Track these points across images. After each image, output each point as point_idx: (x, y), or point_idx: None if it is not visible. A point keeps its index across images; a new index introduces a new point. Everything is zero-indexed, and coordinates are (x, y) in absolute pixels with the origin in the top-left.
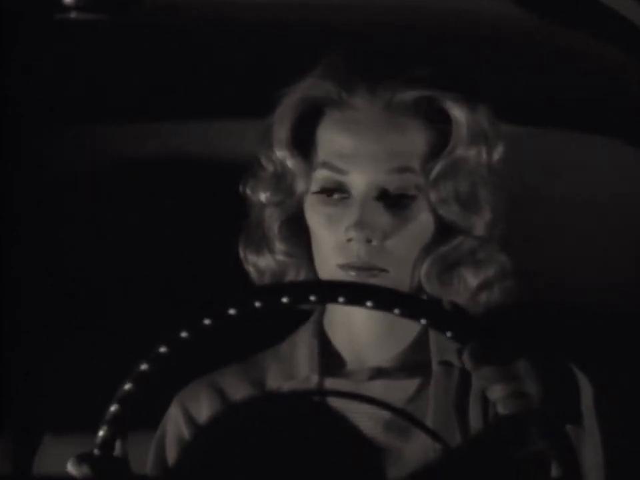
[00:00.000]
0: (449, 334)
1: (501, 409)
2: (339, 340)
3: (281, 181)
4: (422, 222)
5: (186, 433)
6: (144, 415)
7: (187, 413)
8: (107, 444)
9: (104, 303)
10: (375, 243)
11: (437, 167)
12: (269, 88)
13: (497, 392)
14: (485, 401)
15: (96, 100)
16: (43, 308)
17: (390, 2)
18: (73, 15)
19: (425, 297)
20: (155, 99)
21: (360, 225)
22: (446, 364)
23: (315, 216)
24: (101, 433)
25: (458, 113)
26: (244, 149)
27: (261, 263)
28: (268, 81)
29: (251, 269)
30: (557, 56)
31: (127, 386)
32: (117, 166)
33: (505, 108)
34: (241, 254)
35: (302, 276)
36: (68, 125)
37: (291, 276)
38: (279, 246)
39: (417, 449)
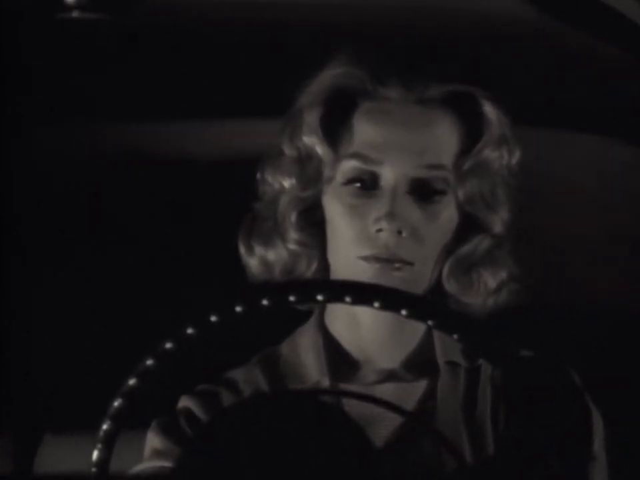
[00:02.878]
0: (455, 336)
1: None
2: (346, 342)
3: (306, 168)
4: (448, 218)
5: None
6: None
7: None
8: (110, 438)
9: (104, 302)
10: (404, 234)
11: (467, 165)
12: (269, 88)
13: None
14: (493, 401)
15: (96, 100)
16: (43, 308)
17: (397, 2)
18: (74, 14)
19: (437, 295)
20: (154, 99)
21: (391, 215)
22: (452, 364)
23: (339, 206)
24: (104, 427)
25: (491, 111)
26: (244, 148)
27: (269, 256)
28: (268, 81)
29: (255, 263)
30: (557, 56)
31: (132, 381)
32: (117, 165)
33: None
34: (243, 248)
35: (313, 268)
36: (68, 125)
37: (301, 268)
38: (293, 235)
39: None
